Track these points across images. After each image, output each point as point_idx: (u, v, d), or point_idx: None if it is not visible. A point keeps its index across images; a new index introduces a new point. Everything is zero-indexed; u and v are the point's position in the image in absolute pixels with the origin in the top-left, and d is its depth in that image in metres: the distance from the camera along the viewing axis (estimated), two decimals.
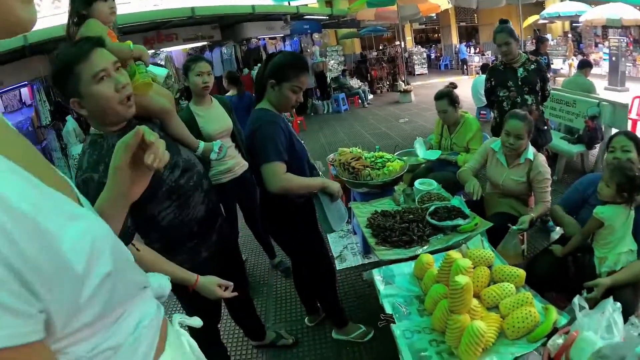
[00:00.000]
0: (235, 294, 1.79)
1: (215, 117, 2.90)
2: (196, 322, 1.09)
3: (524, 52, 3.76)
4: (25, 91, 8.40)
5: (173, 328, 0.98)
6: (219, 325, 2.27)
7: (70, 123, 7.05)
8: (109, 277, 0.65)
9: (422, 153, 3.74)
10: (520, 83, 3.59)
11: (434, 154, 3.65)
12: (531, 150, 2.78)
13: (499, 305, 1.72)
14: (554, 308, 1.62)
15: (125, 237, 1.57)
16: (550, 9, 14.36)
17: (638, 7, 11.12)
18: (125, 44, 1.65)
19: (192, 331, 2.18)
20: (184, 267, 1.76)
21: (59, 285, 0.55)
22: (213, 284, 1.73)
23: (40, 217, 0.54)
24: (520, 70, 3.60)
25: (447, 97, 3.62)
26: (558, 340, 1.48)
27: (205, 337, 2.24)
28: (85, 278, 0.60)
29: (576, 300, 1.50)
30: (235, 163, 3.02)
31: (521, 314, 1.57)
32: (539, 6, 15.06)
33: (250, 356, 2.79)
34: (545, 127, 3.84)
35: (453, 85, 3.70)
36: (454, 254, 1.81)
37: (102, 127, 1.56)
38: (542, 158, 2.77)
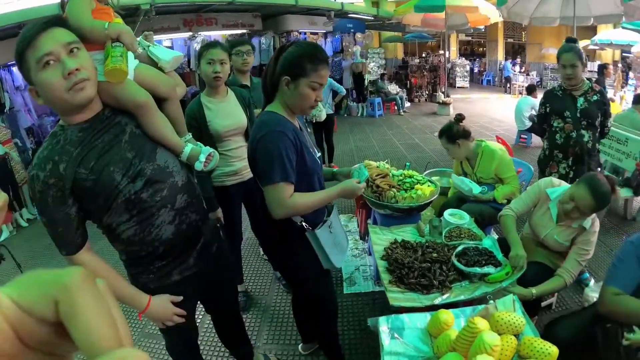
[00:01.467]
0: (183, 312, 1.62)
1: (227, 111, 2.59)
2: None
3: (587, 79, 3.26)
4: None
5: None
6: (200, 341, 2.03)
7: None
8: None
9: (466, 186, 3.21)
10: (578, 115, 3.12)
11: (476, 189, 3.17)
12: (590, 221, 2.31)
13: None
14: None
15: (69, 245, 1.38)
16: (602, 35, 13.61)
17: None
18: (101, 21, 1.35)
19: (167, 346, 1.96)
20: (150, 287, 1.55)
21: None
22: (166, 305, 1.59)
23: None
24: (581, 100, 3.12)
25: (444, 135, 3.26)
26: None
27: (183, 354, 1.99)
28: None
29: None
30: (244, 166, 2.67)
31: None
32: (591, 31, 14.31)
33: None
34: (599, 169, 3.34)
35: (459, 117, 3.25)
36: (480, 322, 1.46)
37: (64, 117, 1.35)
38: (597, 228, 2.32)
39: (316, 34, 12.33)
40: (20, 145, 7.01)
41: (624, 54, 15.77)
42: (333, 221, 1.95)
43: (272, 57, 1.77)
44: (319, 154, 1.94)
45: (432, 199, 2.80)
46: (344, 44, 12.86)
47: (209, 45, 2.55)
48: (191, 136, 1.76)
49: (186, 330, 1.77)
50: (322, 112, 4.72)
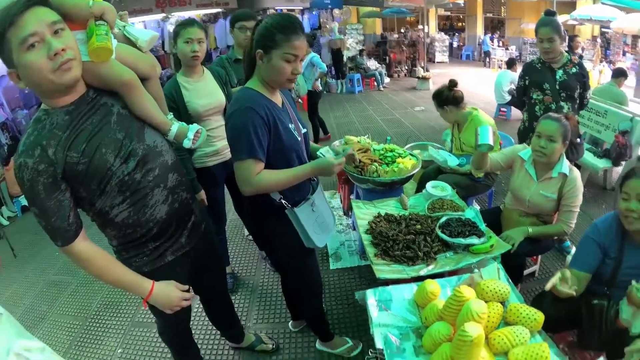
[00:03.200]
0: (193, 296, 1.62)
1: (204, 91, 2.54)
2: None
3: (566, 52, 3.27)
4: None
5: None
6: (191, 324, 2.05)
7: None
8: None
9: (442, 157, 3.30)
10: (557, 87, 3.16)
11: (453, 161, 3.24)
12: (566, 163, 2.40)
13: (508, 354, 1.41)
14: None
15: (64, 235, 1.30)
16: (581, 10, 13.67)
17: None
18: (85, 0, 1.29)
19: (160, 332, 1.95)
20: (144, 270, 1.52)
21: None
22: (171, 290, 1.55)
23: None
24: (560, 72, 3.16)
25: (435, 99, 3.29)
26: None
27: (175, 339, 2.00)
28: None
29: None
30: (225, 145, 2.62)
31: None
32: (570, 6, 14.41)
33: (225, 358, 2.55)
34: (579, 140, 3.38)
35: (452, 83, 3.23)
36: (466, 291, 1.48)
37: (47, 101, 1.30)
38: (578, 173, 2.39)
39: (293, 10, 12.16)
40: None
41: (603, 29, 15.94)
42: (317, 199, 1.92)
43: (251, 33, 1.71)
44: (304, 130, 1.90)
45: (413, 172, 2.81)
46: (321, 20, 12.73)
47: (186, 23, 2.47)
48: (172, 116, 1.72)
49: (180, 313, 1.73)
50: (302, 87, 4.66)
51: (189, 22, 2.47)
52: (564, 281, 1.69)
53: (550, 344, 1.44)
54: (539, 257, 2.88)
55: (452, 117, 3.27)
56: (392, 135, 6.73)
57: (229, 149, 2.61)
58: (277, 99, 1.79)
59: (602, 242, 1.87)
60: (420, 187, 3.16)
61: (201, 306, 2.31)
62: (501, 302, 1.61)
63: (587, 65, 12.34)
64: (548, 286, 1.69)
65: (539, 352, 1.36)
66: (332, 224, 2.05)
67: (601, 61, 14.46)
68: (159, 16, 8.90)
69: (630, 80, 11.80)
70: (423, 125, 7.90)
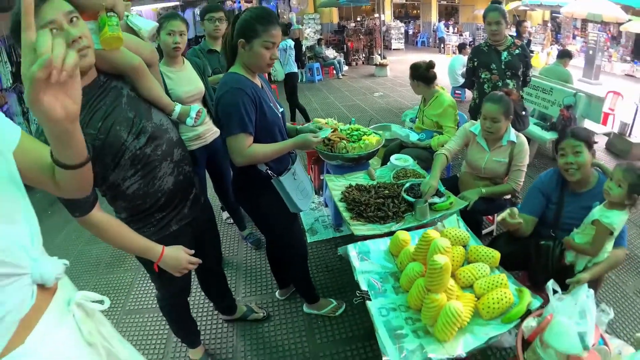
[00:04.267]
0: (199, 261, 1.76)
1: (186, 79, 2.73)
2: (102, 305, 1.02)
3: (510, 36, 3.69)
4: None
5: (56, 314, 0.94)
6: (188, 299, 2.21)
7: None
8: None
9: (404, 132, 3.64)
10: (503, 67, 3.56)
11: (414, 136, 3.59)
12: (513, 132, 2.74)
13: (473, 285, 1.71)
14: (528, 291, 1.63)
15: (83, 206, 1.45)
16: None
17: (620, 6, 11.29)
18: None
19: (161, 305, 2.12)
20: (152, 239, 1.67)
21: None
22: (180, 253, 1.69)
23: None
24: (505, 53, 3.55)
25: (410, 70, 3.66)
26: (532, 322, 1.49)
27: (175, 311, 2.20)
28: None
29: (550, 284, 1.50)
30: (206, 129, 2.86)
31: (496, 296, 1.57)
32: None
33: (220, 330, 2.73)
34: (524, 113, 3.82)
35: (430, 64, 3.59)
36: (432, 232, 1.78)
37: None
38: (524, 139, 2.74)
39: (251, 1, 12.21)
40: None
41: (553, 14, 16.71)
42: (297, 169, 2.19)
43: (229, 25, 1.95)
44: (281, 110, 2.14)
45: (378, 147, 3.09)
46: (279, 10, 12.81)
47: (169, 16, 2.66)
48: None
49: (182, 281, 1.91)
50: (279, 72, 4.91)
51: (172, 15, 2.67)
52: (512, 216, 2.02)
53: (507, 275, 1.76)
54: (495, 216, 3.23)
55: (420, 91, 3.63)
56: (355, 120, 7.01)
57: (210, 132, 2.85)
58: (257, 81, 2.02)
59: (545, 190, 2.24)
60: (385, 162, 3.47)
61: (196, 283, 2.45)
62: (463, 246, 1.91)
63: (537, 48, 13.02)
64: (499, 218, 2.03)
65: (499, 280, 1.67)
66: (311, 190, 2.32)
67: (552, 44, 15.19)
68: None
69: (580, 61, 12.58)
70: (383, 109, 8.23)
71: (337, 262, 3.24)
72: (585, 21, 14.65)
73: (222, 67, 3.30)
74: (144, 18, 1.80)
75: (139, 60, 1.60)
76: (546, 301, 1.55)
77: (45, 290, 0.94)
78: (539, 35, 15.97)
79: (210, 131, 2.90)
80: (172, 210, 1.77)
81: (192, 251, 1.77)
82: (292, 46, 7.66)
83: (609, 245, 1.96)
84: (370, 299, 1.74)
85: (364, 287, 1.81)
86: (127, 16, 1.71)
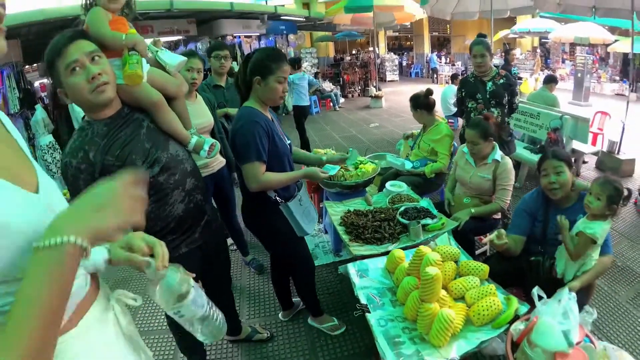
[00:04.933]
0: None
1: (199, 112, 2.94)
2: (135, 302, 1.16)
3: (495, 67, 3.98)
4: None
5: (102, 305, 1.07)
6: None
7: (40, 112, 6.80)
8: (12, 255, 0.76)
9: (399, 161, 3.88)
10: (488, 96, 3.83)
11: (408, 165, 3.82)
12: (499, 152, 3.00)
13: (465, 296, 1.88)
14: (515, 298, 1.80)
15: None
16: (521, 24, 14.91)
17: (607, 28, 11.75)
18: (119, 33, 1.69)
19: (169, 322, 2.23)
20: None
21: None
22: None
23: None
24: (490, 84, 3.83)
25: (411, 101, 3.94)
26: (520, 326, 1.65)
27: (183, 330, 2.32)
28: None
29: (535, 290, 1.66)
30: (213, 159, 3.05)
31: (486, 303, 1.73)
32: (510, 21, 15.61)
33: (225, 351, 2.83)
34: (510, 138, 4.09)
35: (428, 92, 3.88)
36: (424, 248, 1.96)
37: (89, 114, 1.65)
38: (509, 160, 3.00)
39: (250, 37, 12.61)
40: None
41: (542, 40, 17.27)
42: (302, 196, 2.40)
43: (241, 64, 2.22)
44: (289, 142, 2.38)
45: (374, 175, 3.31)
46: (277, 45, 13.19)
47: (190, 54, 2.92)
48: (195, 130, 2.09)
49: None
50: (288, 103, 5.15)
51: (192, 54, 2.94)
52: (499, 237, 2.20)
53: (496, 285, 1.93)
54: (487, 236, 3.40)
55: (422, 119, 3.89)
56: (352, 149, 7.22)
57: (217, 162, 3.04)
58: (268, 115, 2.26)
59: (530, 209, 2.44)
60: (381, 189, 3.66)
61: None
62: (454, 262, 2.09)
63: (527, 74, 13.41)
64: (486, 240, 2.21)
65: (488, 290, 1.85)
66: (315, 214, 2.53)
67: (542, 70, 15.62)
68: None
69: (570, 84, 12.92)
70: (378, 139, 8.49)
71: (338, 284, 3.39)
72: (573, 45, 15.18)
73: (226, 101, 3.55)
74: (172, 53, 2.00)
75: (158, 96, 1.80)
76: (533, 307, 1.71)
77: (93, 280, 1.07)
78: (529, 61, 16.46)
79: (216, 160, 3.09)
80: (182, 234, 1.91)
81: (193, 274, 1.90)
82: (304, 79, 7.81)
83: (596, 254, 2.15)
84: (369, 312, 1.90)
85: (363, 301, 1.97)
86: (157, 52, 1.91)
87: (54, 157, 6.66)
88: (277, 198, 2.25)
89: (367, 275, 2.16)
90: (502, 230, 2.24)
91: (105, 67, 1.54)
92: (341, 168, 3.25)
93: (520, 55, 16.99)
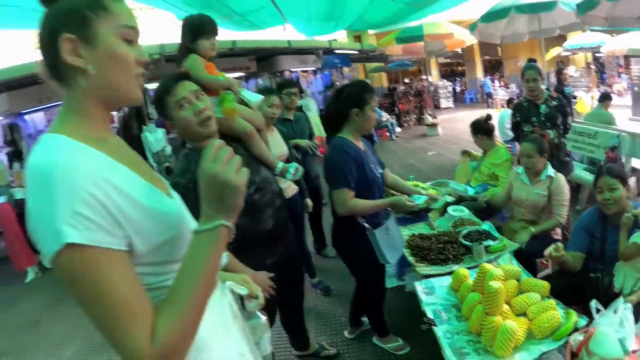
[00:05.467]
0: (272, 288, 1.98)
1: (275, 143, 3.22)
2: (242, 290, 1.32)
3: (546, 89, 4.11)
4: None
5: (220, 291, 1.22)
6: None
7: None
8: (171, 240, 0.97)
9: (462, 187, 3.99)
10: (543, 119, 3.93)
11: (471, 191, 3.93)
12: (551, 169, 3.11)
13: (526, 312, 1.99)
14: (574, 312, 1.90)
15: None
16: (572, 40, 14.52)
17: None
18: (216, 76, 2.04)
19: None
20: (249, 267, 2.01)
21: (141, 225, 0.88)
22: (265, 277, 1.95)
23: (130, 188, 0.88)
24: (543, 107, 3.94)
25: (472, 127, 4.09)
26: (579, 337, 1.75)
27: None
28: (158, 232, 0.93)
29: (593, 303, 1.76)
30: (287, 187, 3.32)
31: (546, 317, 1.85)
32: (562, 38, 15.28)
33: None
34: (567, 159, 4.14)
35: (488, 117, 4.05)
36: (487, 265, 2.10)
37: (192, 143, 1.94)
38: (562, 175, 3.11)
39: (306, 71, 13.16)
40: None
41: (595, 55, 16.71)
42: (390, 225, 2.53)
43: (332, 99, 2.52)
44: (380, 171, 2.59)
45: (426, 205, 3.45)
46: (333, 78, 13.65)
47: (271, 91, 3.33)
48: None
49: (269, 312, 2.23)
50: None
51: (271, 91, 3.34)
52: (557, 250, 2.31)
53: (556, 301, 2.03)
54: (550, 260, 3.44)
55: (482, 144, 4.05)
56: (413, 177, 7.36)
57: (291, 189, 3.31)
58: (361, 145, 2.50)
59: (588, 227, 2.54)
60: (442, 214, 3.79)
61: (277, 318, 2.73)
62: (516, 280, 2.21)
63: (581, 93, 12.99)
64: (546, 252, 2.32)
65: (549, 305, 1.96)
66: (401, 245, 2.66)
67: (598, 86, 15.10)
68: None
69: (628, 99, 12.34)
70: (437, 167, 8.56)
71: (402, 306, 3.47)
72: (627, 57, 14.54)
73: (294, 133, 3.85)
74: (252, 92, 2.33)
75: (250, 127, 2.13)
76: (591, 320, 1.80)
77: None
78: (584, 78, 15.93)
79: (289, 188, 3.38)
80: (269, 247, 2.17)
81: (272, 274, 2.02)
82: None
83: None
84: (436, 325, 2.05)
85: (430, 316, 2.13)
86: (241, 91, 2.24)
87: None
88: (365, 224, 2.42)
89: (433, 293, 2.31)
90: (560, 244, 2.35)
91: (208, 104, 1.84)
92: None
93: (575, 72, 16.55)
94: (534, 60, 4.10)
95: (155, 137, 8.11)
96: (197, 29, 2.16)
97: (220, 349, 1.06)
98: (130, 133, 8.43)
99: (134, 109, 8.40)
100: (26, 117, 8.18)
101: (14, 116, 7.67)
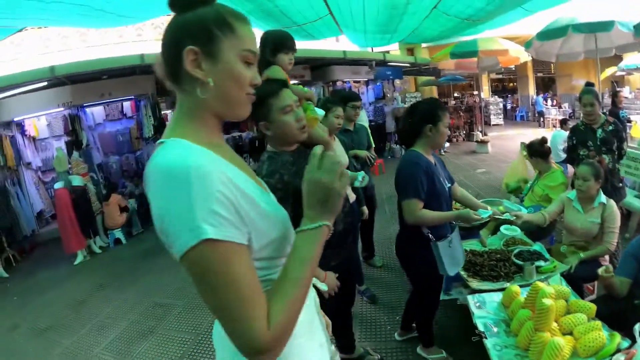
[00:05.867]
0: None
1: (337, 152, 3.39)
2: (323, 286, 1.46)
3: (603, 113, 4.14)
4: (127, 104, 9.43)
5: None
6: None
7: None
8: (278, 238, 1.06)
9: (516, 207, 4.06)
10: (599, 143, 3.98)
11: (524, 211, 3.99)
12: (604, 196, 3.17)
13: (573, 331, 2.10)
14: (618, 334, 2.00)
15: None
16: (628, 60, 13.88)
17: None
18: (302, 88, 2.25)
19: None
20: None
21: (257, 224, 0.97)
22: (333, 279, 2.12)
23: (247, 189, 0.98)
24: (599, 131, 3.98)
25: (527, 148, 4.29)
26: (620, 357, 1.85)
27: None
28: (269, 231, 1.02)
29: (637, 327, 1.86)
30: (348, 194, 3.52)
31: (592, 336, 1.97)
32: (617, 58, 14.74)
33: None
34: (620, 185, 4.13)
35: (543, 140, 4.21)
36: (540, 284, 2.22)
37: (278, 147, 2.09)
38: (614, 203, 3.16)
39: (359, 82, 13.33)
40: (95, 179, 7.93)
41: None
42: (454, 239, 2.61)
43: (405, 116, 2.69)
44: (449, 185, 2.72)
45: (488, 219, 3.54)
46: (384, 90, 13.75)
47: (335, 102, 3.52)
48: None
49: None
50: None
51: (337, 102, 3.54)
52: (607, 271, 2.41)
53: (602, 324, 2.12)
54: (595, 286, 3.49)
55: (537, 166, 4.19)
56: None
57: (349, 197, 3.46)
58: (432, 159, 2.64)
59: (637, 253, 2.60)
60: (494, 232, 3.88)
61: None
62: (565, 300, 2.30)
63: (637, 117, 12.49)
64: (599, 270, 2.43)
65: (595, 326, 2.07)
66: (462, 259, 2.75)
67: None
68: None
69: None
70: (486, 185, 8.50)
71: (449, 321, 3.54)
72: None
73: (354, 143, 4.03)
74: (317, 108, 2.51)
75: (327, 135, 2.33)
76: (634, 342, 1.89)
77: None
78: (639, 101, 15.28)
79: (350, 195, 3.53)
80: (335, 248, 2.30)
81: (337, 274, 2.21)
82: None
83: None
84: (486, 338, 2.18)
85: (481, 328, 2.26)
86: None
87: None
88: (430, 235, 2.54)
89: (484, 307, 2.45)
90: (610, 266, 2.46)
91: (303, 114, 2.03)
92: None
93: (630, 94, 15.90)
94: (592, 84, 4.17)
95: None
96: (279, 43, 2.35)
97: (307, 337, 1.18)
98: None
99: None
100: (87, 110, 8.74)
101: (76, 108, 8.15)
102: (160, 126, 8.37)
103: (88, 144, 8.15)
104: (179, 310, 4.42)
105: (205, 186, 0.87)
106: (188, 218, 0.85)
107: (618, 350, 1.93)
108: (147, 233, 7.84)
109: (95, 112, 9.32)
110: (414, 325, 3.31)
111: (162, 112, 8.88)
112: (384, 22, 8.80)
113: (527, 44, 9.04)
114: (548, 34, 7.88)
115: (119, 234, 7.39)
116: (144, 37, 14.47)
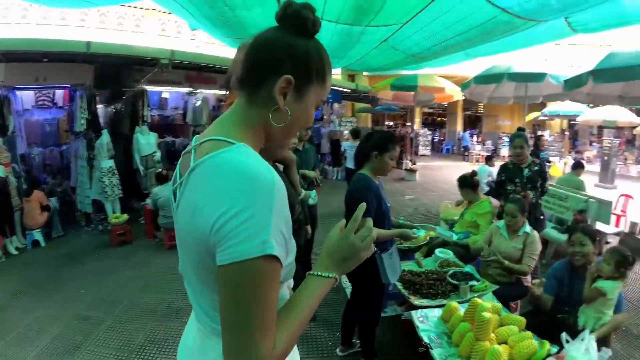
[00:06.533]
0: None
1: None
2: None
3: (530, 155, 4.65)
4: (60, 93, 8.97)
5: None
6: None
7: (105, 137, 7.25)
8: (291, 263, 1.07)
9: (448, 233, 4.48)
10: (525, 181, 4.47)
11: (455, 236, 4.42)
12: (528, 226, 3.59)
13: (507, 340, 2.38)
14: (547, 342, 2.33)
15: None
16: (551, 107, 15.45)
17: (634, 110, 12.36)
18: None
19: None
20: None
21: (289, 247, 0.99)
22: None
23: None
24: (526, 170, 4.48)
25: (459, 181, 4.68)
26: None
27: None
28: (290, 254, 1.03)
29: (563, 335, 2.19)
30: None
31: (525, 344, 2.28)
32: (542, 104, 16.16)
33: None
34: (542, 217, 4.66)
35: (473, 173, 4.67)
36: (478, 300, 2.50)
37: (265, 151, 2.25)
38: (536, 233, 3.58)
39: (340, 102, 13.60)
40: (17, 171, 6.95)
41: (571, 122, 17.86)
42: (394, 251, 2.94)
43: (363, 139, 2.91)
44: (389, 205, 2.95)
45: (424, 242, 3.86)
46: (322, 112, 14.03)
47: None
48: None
49: None
50: None
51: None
52: (539, 284, 2.87)
53: (532, 334, 2.43)
54: (518, 304, 3.92)
55: (467, 196, 4.61)
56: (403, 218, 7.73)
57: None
58: (377, 182, 2.89)
59: (557, 275, 3.05)
60: (427, 255, 4.20)
61: None
62: (497, 314, 2.59)
63: (555, 158, 13.94)
64: (535, 281, 2.94)
65: (526, 336, 2.38)
66: (399, 269, 3.03)
67: (570, 152, 16.09)
68: (186, 90, 9.79)
69: (596, 167, 13.35)
70: (414, 211, 8.95)
71: (389, 336, 3.66)
72: (601, 127, 15.64)
73: (303, 163, 4.20)
74: None
75: (294, 156, 2.52)
76: (561, 348, 2.22)
77: None
78: (558, 143, 16.91)
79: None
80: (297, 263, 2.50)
81: None
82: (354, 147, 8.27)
83: (610, 311, 2.72)
84: (432, 349, 2.41)
85: (426, 340, 2.49)
86: None
87: (112, 181, 7.19)
88: (375, 248, 2.74)
89: (427, 321, 2.69)
90: (543, 279, 2.95)
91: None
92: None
93: (550, 137, 17.53)
94: (523, 129, 4.75)
95: (147, 141, 8.08)
96: None
97: (292, 356, 1.22)
98: (120, 131, 8.25)
99: (130, 107, 8.35)
100: (17, 92, 7.70)
101: (7, 89, 7.12)
102: (93, 121, 7.57)
103: (14, 131, 7.14)
104: (108, 323, 4.10)
105: (282, 204, 0.91)
106: (265, 228, 0.86)
107: (549, 355, 2.23)
108: (67, 236, 7.20)
109: (25, 97, 8.60)
110: (354, 340, 3.45)
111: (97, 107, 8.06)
112: (335, 47, 9.07)
113: (464, 85, 9.65)
114: (485, 79, 8.51)
115: (37, 235, 6.65)
116: (87, 23, 13.59)
